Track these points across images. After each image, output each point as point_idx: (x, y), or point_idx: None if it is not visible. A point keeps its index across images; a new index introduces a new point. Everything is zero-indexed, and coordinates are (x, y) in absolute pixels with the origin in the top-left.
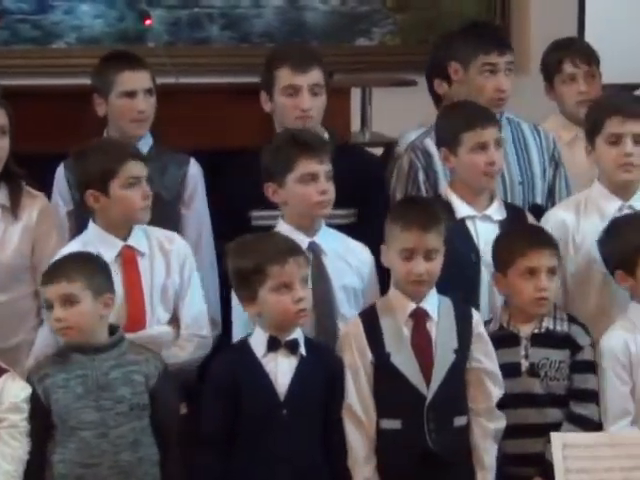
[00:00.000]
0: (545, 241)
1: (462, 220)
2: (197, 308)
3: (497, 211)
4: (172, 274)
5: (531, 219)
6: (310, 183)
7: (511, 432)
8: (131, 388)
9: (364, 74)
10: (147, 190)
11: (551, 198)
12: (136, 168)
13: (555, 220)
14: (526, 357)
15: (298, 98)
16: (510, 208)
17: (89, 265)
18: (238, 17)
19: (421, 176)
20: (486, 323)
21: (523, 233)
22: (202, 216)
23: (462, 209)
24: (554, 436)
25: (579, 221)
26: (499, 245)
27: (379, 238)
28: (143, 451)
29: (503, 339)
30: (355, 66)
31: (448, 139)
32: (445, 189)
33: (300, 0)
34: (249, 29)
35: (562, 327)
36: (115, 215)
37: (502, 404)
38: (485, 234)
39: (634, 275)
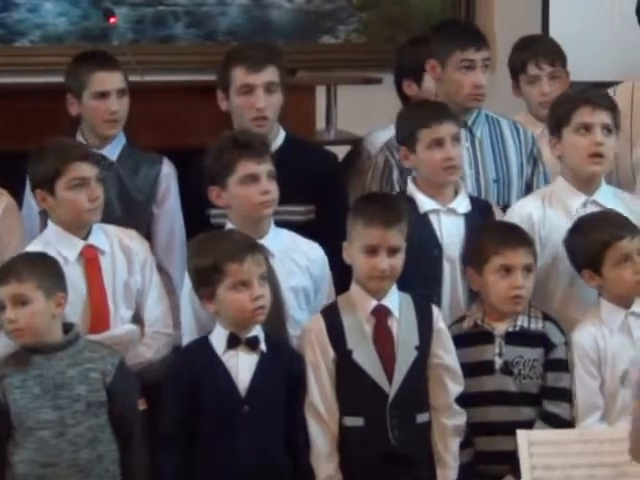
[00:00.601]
0: (521, 238)
1: (425, 214)
2: (160, 306)
3: (462, 204)
4: (134, 272)
5: (498, 212)
6: (251, 184)
7: (484, 430)
8: (88, 386)
9: (329, 72)
10: (95, 192)
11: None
12: (82, 169)
13: (521, 214)
14: (500, 355)
15: (253, 97)
16: (476, 201)
17: (40, 265)
18: (203, 15)
19: (395, 174)
20: (460, 320)
21: (499, 230)
22: (174, 215)
23: (425, 203)
24: (520, 433)
25: (545, 215)
26: (474, 241)
27: (338, 234)
28: (102, 448)
29: (477, 337)
30: (320, 64)
31: (406, 137)
32: (408, 184)
33: None
34: (214, 27)
35: (537, 325)
36: (63, 216)
37: (475, 402)
38: (449, 228)
39: (601, 274)
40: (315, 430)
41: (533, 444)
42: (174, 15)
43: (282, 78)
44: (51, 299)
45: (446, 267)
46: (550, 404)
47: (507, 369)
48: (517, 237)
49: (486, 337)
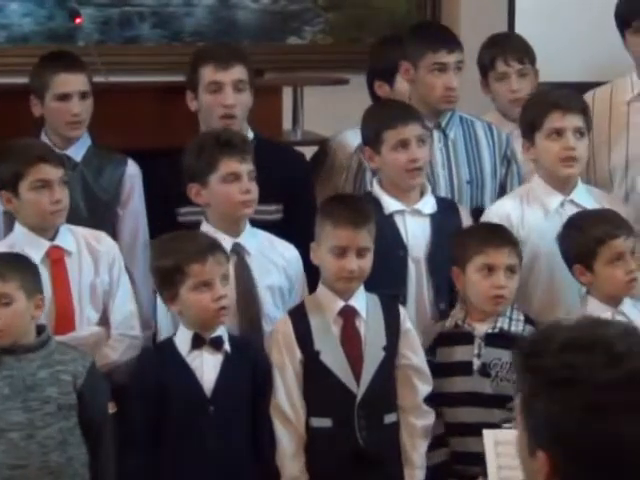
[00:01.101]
0: (505, 238)
1: (390, 215)
2: (127, 308)
3: (427, 205)
4: (101, 273)
5: (465, 213)
6: (233, 183)
7: (460, 430)
8: (58, 388)
9: (296, 73)
10: (58, 194)
11: (502, 196)
12: (45, 171)
13: (499, 215)
14: (479, 356)
15: (221, 95)
16: (442, 201)
17: (21, 265)
18: (169, 16)
19: (369, 176)
20: (443, 319)
21: (483, 229)
22: (138, 216)
23: (391, 204)
24: (486, 433)
25: (523, 215)
26: (458, 240)
27: (306, 235)
28: (72, 451)
29: (458, 337)
30: (287, 65)
31: (371, 138)
32: (374, 185)
33: None
34: (180, 28)
35: (517, 328)
36: (27, 217)
37: (451, 402)
38: (414, 229)
39: (592, 270)
40: (280, 431)
41: (500, 444)
42: (140, 16)
43: (250, 78)
44: (31, 300)
45: (411, 267)
46: None
47: (484, 371)
48: (501, 237)
49: (466, 338)
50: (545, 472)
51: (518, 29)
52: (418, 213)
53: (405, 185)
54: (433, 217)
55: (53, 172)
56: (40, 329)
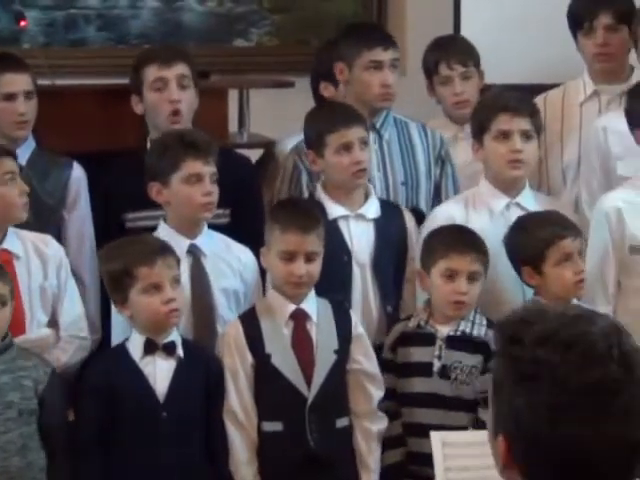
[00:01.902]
0: (470, 244)
1: (334, 220)
2: (75, 310)
3: (371, 209)
4: (49, 276)
5: (408, 216)
6: (195, 184)
7: (417, 431)
8: (20, 393)
9: (242, 75)
10: (23, 186)
11: (437, 197)
12: (8, 164)
13: (444, 217)
14: (439, 358)
15: (166, 91)
16: (386, 205)
17: (1, 268)
18: (115, 18)
19: (304, 178)
20: (407, 319)
21: (450, 233)
22: (84, 220)
23: (334, 209)
24: (433, 435)
25: (468, 218)
26: (425, 242)
27: (254, 238)
28: (31, 456)
29: (420, 337)
30: (233, 67)
31: (314, 141)
32: (317, 190)
33: (177, 1)
34: (126, 30)
35: (479, 332)
36: None
37: (410, 402)
38: (358, 234)
39: (541, 272)
40: (234, 435)
41: (447, 445)
42: (85, 18)
43: (194, 78)
44: (10, 303)
45: (356, 272)
46: (485, 412)
47: (444, 373)
48: (466, 243)
49: (428, 339)
50: (503, 457)
51: (464, 31)
52: (362, 218)
53: (349, 186)
54: (377, 221)
55: (14, 165)
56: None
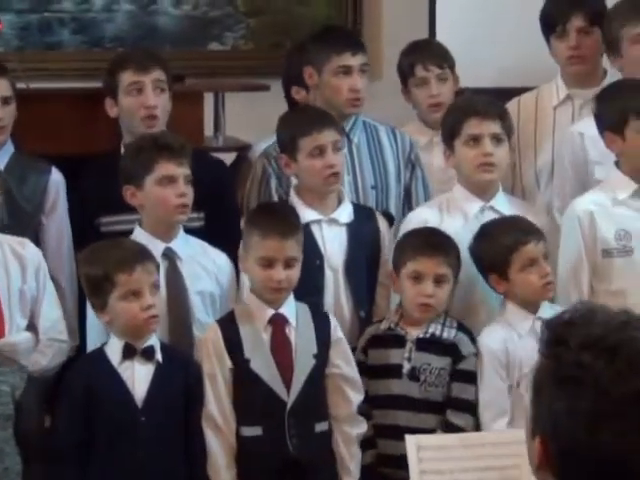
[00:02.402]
0: (437, 247)
1: (307, 225)
2: (54, 313)
3: (344, 214)
4: (28, 279)
5: (381, 220)
6: (168, 186)
7: (386, 433)
8: None
9: (217, 79)
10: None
11: (407, 201)
12: None
13: (418, 221)
14: (409, 360)
15: (143, 96)
16: (359, 210)
17: None
18: (89, 21)
19: (273, 183)
20: (379, 322)
21: (420, 236)
22: (62, 225)
23: (307, 214)
24: (408, 438)
25: (442, 220)
26: (397, 244)
27: (229, 241)
28: (8, 461)
29: (390, 340)
30: (208, 71)
31: (287, 145)
32: (291, 194)
33: (152, 5)
34: (100, 33)
35: (449, 334)
36: None
37: (380, 404)
38: (331, 238)
39: (507, 279)
40: (212, 440)
41: (422, 449)
42: (60, 22)
43: (169, 82)
44: None
45: (329, 276)
46: (453, 414)
47: (413, 375)
48: (434, 245)
49: (398, 341)
50: (539, 458)
51: (439, 35)
52: (335, 222)
53: (323, 190)
54: (350, 226)
55: None
56: None
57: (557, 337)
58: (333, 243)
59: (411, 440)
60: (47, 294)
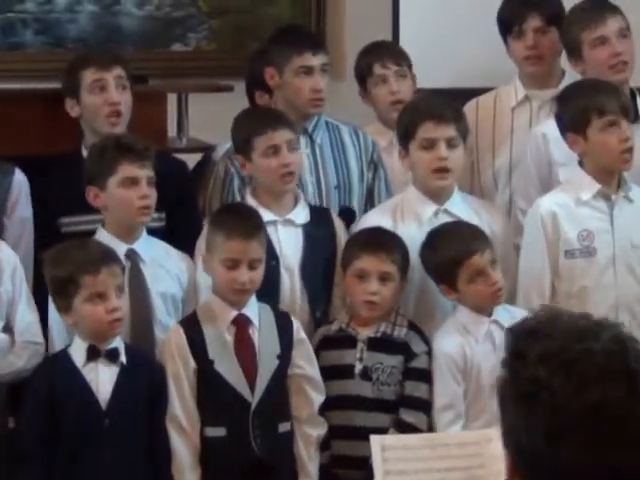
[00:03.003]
0: (381, 245)
1: None
2: (30, 315)
3: (300, 215)
4: (4, 281)
5: (337, 220)
6: (131, 187)
7: (340, 434)
8: None
9: (180, 79)
10: None
11: (370, 201)
12: None
13: (370, 224)
14: (360, 360)
15: (106, 93)
16: (315, 210)
17: None
18: (52, 22)
19: (236, 183)
20: (330, 323)
21: (365, 234)
22: (25, 225)
23: (263, 214)
24: (373, 438)
25: (396, 226)
26: (346, 244)
27: (189, 242)
28: None
29: (342, 340)
30: (172, 72)
31: (241, 145)
32: (246, 195)
33: (114, 5)
34: (64, 34)
35: (400, 333)
36: None
37: (333, 405)
38: (287, 239)
39: (456, 289)
40: (177, 442)
41: (386, 449)
42: (23, 22)
43: (130, 80)
44: None
45: (284, 277)
46: (406, 413)
47: (366, 374)
48: (378, 243)
49: (350, 341)
50: (508, 471)
51: (403, 36)
52: (290, 223)
53: (278, 190)
54: (306, 227)
55: None
56: None
57: (516, 350)
58: (289, 244)
59: (376, 440)
60: (23, 296)
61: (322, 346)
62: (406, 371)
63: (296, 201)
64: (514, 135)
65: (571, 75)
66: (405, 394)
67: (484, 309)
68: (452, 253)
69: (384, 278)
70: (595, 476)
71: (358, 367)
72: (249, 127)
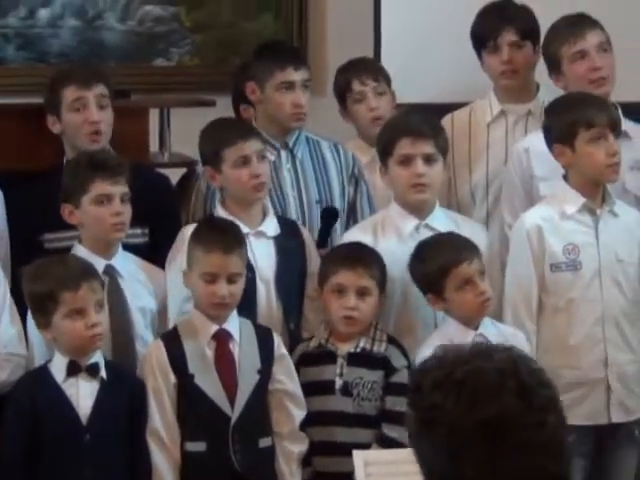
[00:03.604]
0: (359, 260)
1: None
2: (14, 328)
3: (271, 227)
4: None
5: (305, 231)
6: (105, 204)
7: (321, 450)
8: None
9: (162, 94)
10: None
11: (353, 216)
12: None
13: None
14: (341, 375)
15: (86, 111)
16: (284, 223)
17: None
18: (34, 37)
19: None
20: (308, 339)
21: (342, 249)
22: (3, 240)
23: None
24: (356, 453)
25: (377, 242)
26: (323, 259)
27: None
28: None
29: (321, 356)
30: (154, 87)
31: (210, 157)
32: (217, 208)
33: (97, 20)
34: (46, 49)
35: (379, 348)
36: None
37: (314, 421)
38: (261, 250)
39: (444, 298)
40: (157, 456)
41: (369, 464)
42: (4, 37)
43: (111, 97)
44: None
45: (260, 289)
46: (388, 427)
47: (346, 390)
48: (355, 258)
49: (329, 357)
50: None
51: (384, 51)
52: (262, 235)
53: (249, 200)
54: (277, 239)
55: None
56: None
57: (413, 386)
58: (263, 256)
59: (359, 455)
60: (6, 309)
61: (301, 362)
62: (387, 386)
63: (264, 213)
64: (490, 150)
65: (549, 89)
66: (386, 409)
67: (471, 321)
68: (441, 261)
69: (362, 293)
70: None
71: (338, 383)
72: (218, 138)
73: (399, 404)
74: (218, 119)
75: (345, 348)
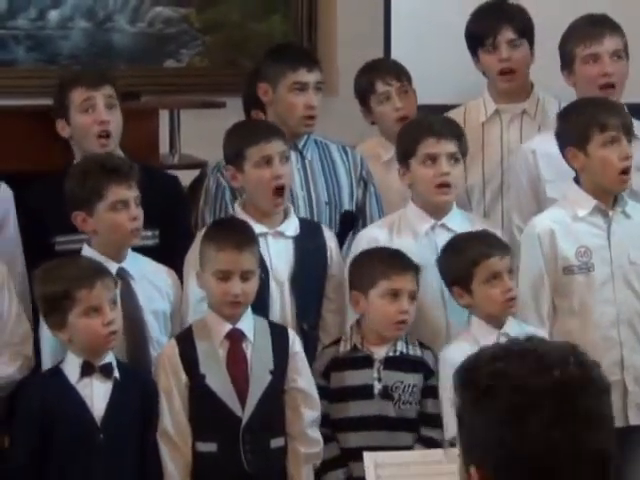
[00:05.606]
0: (408, 264)
1: None
2: (22, 327)
3: (290, 227)
4: None
5: (328, 233)
6: (122, 210)
7: (359, 455)
8: None
9: (173, 96)
10: None
11: (362, 217)
12: None
13: (368, 239)
14: (379, 379)
15: (95, 113)
16: (305, 223)
17: None
18: (45, 38)
19: (228, 195)
20: (335, 343)
21: (386, 254)
22: (14, 242)
23: (253, 227)
24: (367, 455)
25: (392, 240)
26: (358, 265)
27: (182, 258)
28: None
29: (356, 361)
30: (164, 88)
31: (233, 156)
32: (236, 208)
33: (107, 22)
34: (56, 51)
35: (415, 351)
36: None
37: (353, 426)
38: (278, 251)
39: (470, 291)
40: (167, 457)
41: (379, 466)
42: (15, 39)
43: (119, 99)
44: None
45: (274, 290)
46: (427, 430)
47: (387, 394)
48: (404, 262)
49: (365, 361)
50: None
51: (395, 51)
52: (281, 235)
53: (269, 203)
54: (296, 239)
55: None
56: None
57: (469, 365)
58: (279, 256)
59: (369, 457)
60: (13, 309)
61: (331, 368)
62: (425, 389)
63: (286, 214)
64: (485, 150)
65: (543, 88)
66: (427, 412)
67: (495, 319)
68: (472, 253)
69: (412, 297)
70: (562, 460)
71: (377, 387)
72: (242, 138)
73: (438, 407)
74: (244, 120)
75: (381, 352)
